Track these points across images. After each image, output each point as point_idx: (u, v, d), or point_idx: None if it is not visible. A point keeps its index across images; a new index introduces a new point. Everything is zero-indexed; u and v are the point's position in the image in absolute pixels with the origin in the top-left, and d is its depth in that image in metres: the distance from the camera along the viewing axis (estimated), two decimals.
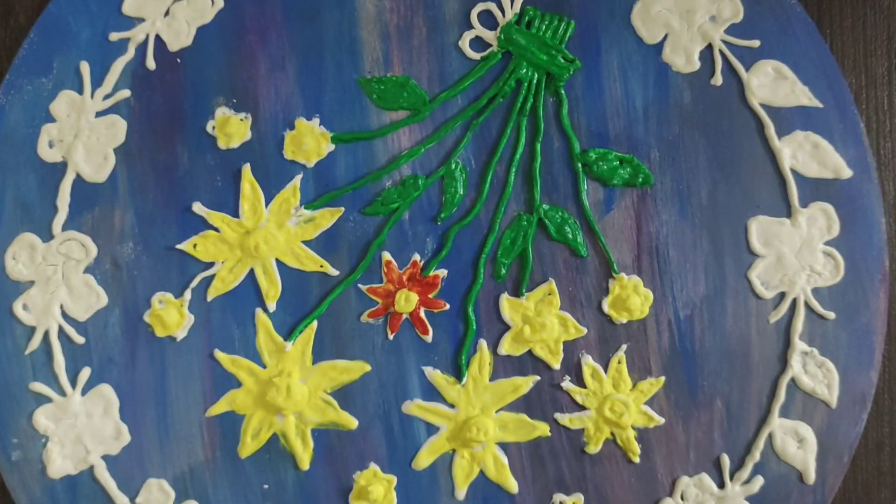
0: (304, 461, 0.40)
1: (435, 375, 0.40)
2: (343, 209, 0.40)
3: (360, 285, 0.40)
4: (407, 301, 0.40)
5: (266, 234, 0.40)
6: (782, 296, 0.40)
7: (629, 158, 0.40)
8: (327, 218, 0.40)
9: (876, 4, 0.42)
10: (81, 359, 0.40)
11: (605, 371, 0.40)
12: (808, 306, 0.40)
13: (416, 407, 0.40)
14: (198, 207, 0.40)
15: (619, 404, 0.39)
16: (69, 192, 0.40)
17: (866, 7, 0.42)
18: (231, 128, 0.40)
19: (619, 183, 0.40)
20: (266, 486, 0.40)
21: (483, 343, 0.40)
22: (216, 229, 0.40)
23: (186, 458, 0.40)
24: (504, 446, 0.40)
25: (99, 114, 0.40)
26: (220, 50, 0.41)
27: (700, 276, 0.40)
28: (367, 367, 0.40)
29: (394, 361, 0.40)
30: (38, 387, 0.39)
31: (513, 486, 0.40)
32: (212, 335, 0.40)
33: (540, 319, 0.40)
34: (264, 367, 0.40)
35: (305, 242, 0.40)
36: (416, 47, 0.41)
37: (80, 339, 0.40)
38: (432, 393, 0.40)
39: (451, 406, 0.40)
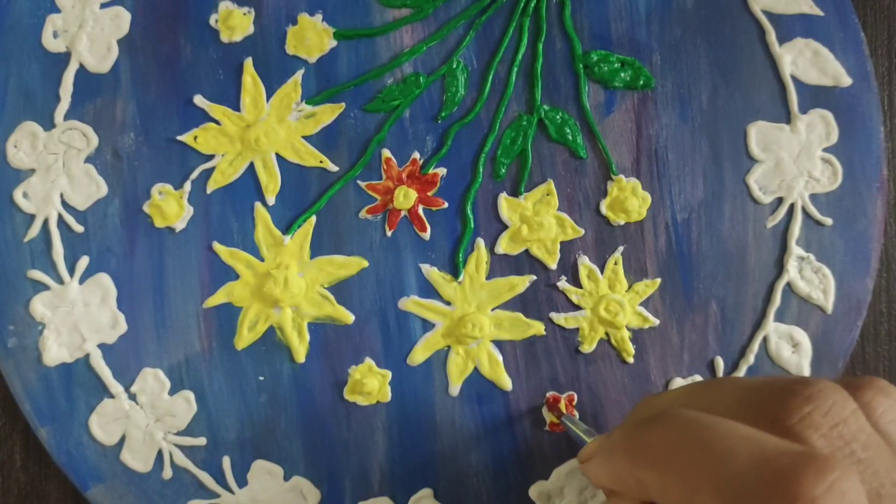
0: (300, 354, 0.40)
1: (432, 272, 0.40)
2: (344, 105, 0.40)
3: (359, 181, 0.40)
4: (406, 198, 0.40)
5: (267, 128, 0.40)
6: (780, 201, 0.40)
7: (631, 61, 0.40)
8: (328, 114, 0.40)
9: (876, 4, 0.42)
10: (80, 247, 0.40)
11: (602, 272, 0.40)
12: (805, 212, 0.40)
13: (412, 303, 0.40)
14: (199, 100, 0.40)
15: (615, 304, 0.40)
16: (72, 82, 0.40)
17: (866, 7, 0.42)
18: (234, 21, 0.40)
19: (620, 85, 0.40)
20: (262, 378, 0.40)
21: (480, 241, 0.40)
22: (217, 122, 0.40)
23: (182, 348, 0.40)
24: (499, 344, 0.40)
25: (103, 5, 0.40)
26: None
27: (698, 179, 0.40)
28: (365, 263, 0.40)
29: (391, 258, 0.40)
30: (36, 274, 0.40)
31: (507, 383, 0.40)
32: (210, 227, 0.40)
33: (538, 219, 0.40)
34: (262, 260, 0.40)
35: (306, 138, 0.40)
36: None
37: (79, 228, 0.40)
38: (429, 290, 0.40)
39: (448, 303, 0.40)
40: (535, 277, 0.40)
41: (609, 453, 0.28)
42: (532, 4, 0.40)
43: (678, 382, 0.40)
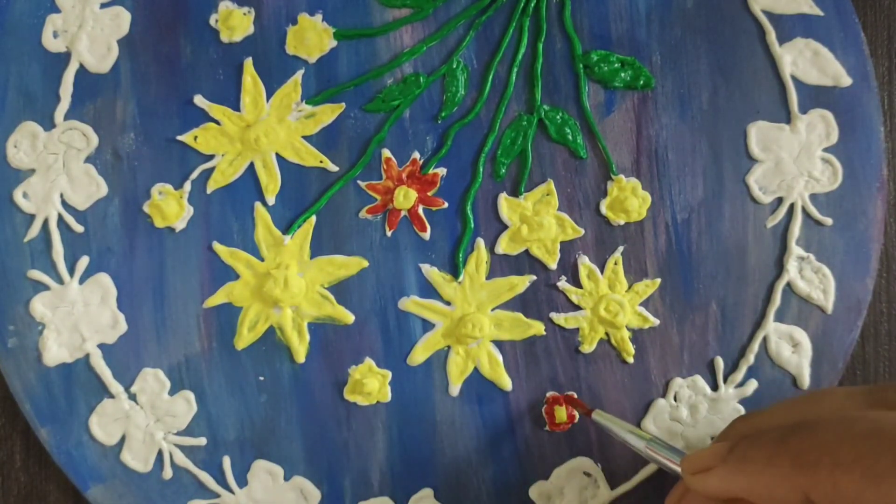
0: (300, 354, 0.40)
1: (432, 272, 0.40)
2: (344, 105, 0.40)
3: (359, 181, 0.40)
4: (406, 198, 0.40)
5: (267, 128, 0.40)
6: (780, 201, 0.40)
7: (631, 61, 0.40)
8: (328, 114, 0.40)
9: (876, 4, 0.42)
10: (80, 247, 0.40)
11: (602, 272, 0.40)
12: (805, 212, 0.40)
13: (412, 303, 0.40)
14: (199, 100, 0.40)
15: (615, 304, 0.40)
16: (72, 82, 0.40)
17: (866, 7, 0.42)
18: (234, 21, 0.40)
19: (621, 85, 0.40)
20: (262, 378, 0.40)
21: (480, 241, 0.40)
22: (217, 122, 0.40)
23: (182, 348, 0.40)
24: (499, 344, 0.40)
25: (103, 5, 0.40)
26: None
27: (698, 179, 0.40)
28: (365, 263, 0.40)
29: (391, 258, 0.40)
30: (36, 274, 0.40)
31: (507, 383, 0.40)
32: (211, 227, 0.40)
33: (538, 219, 0.40)
34: (262, 260, 0.40)
35: (306, 138, 0.40)
36: None
37: (79, 228, 0.40)
38: (429, 290, 0.40)
39: (448, 303, 0.40)
40: (535, 277, 0.40)
41: (747, 462, 0.28)
42: (532, 4, 0.40)
43: (678, 382, 0.40)
